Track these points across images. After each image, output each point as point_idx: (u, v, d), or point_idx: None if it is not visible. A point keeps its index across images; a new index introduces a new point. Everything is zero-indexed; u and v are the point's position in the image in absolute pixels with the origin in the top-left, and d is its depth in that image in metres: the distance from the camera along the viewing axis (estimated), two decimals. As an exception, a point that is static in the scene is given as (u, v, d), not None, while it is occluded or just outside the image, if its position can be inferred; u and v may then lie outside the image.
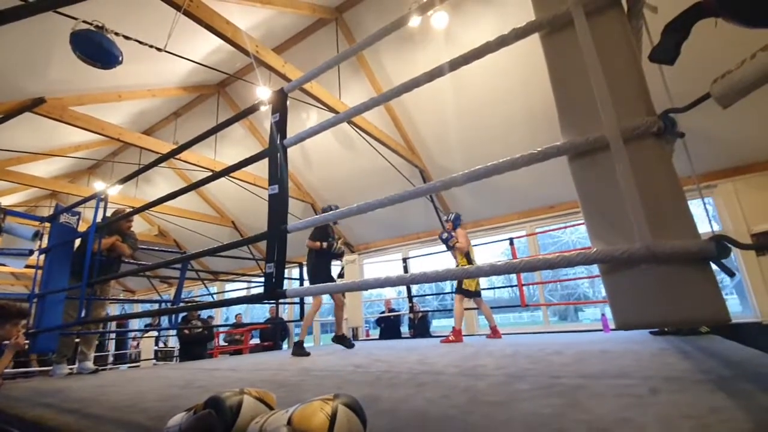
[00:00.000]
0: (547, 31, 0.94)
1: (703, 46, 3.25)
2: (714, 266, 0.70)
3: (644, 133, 0.77)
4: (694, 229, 0.72)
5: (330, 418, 0.68)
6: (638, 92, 0.82)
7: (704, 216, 3.77)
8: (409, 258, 6.99)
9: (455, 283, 4.32)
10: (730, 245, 0.67)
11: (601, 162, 0.81)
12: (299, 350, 3.54)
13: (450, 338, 3.92)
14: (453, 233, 4.35)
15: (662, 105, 0.80)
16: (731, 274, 0.69)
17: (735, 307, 4.94)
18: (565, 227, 5.79)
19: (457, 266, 4.20)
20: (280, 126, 1.53)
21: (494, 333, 4.16)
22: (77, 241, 3.31)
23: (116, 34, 3.29)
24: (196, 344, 5.69)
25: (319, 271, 3.85)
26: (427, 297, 7.75)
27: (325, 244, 3.81)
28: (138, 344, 8.16)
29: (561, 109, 0.90)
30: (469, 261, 4.29)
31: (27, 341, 2.90)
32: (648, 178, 0.75)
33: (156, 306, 8.12)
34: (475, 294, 4.30)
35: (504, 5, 4.45)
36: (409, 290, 6.42)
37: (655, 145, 0.78)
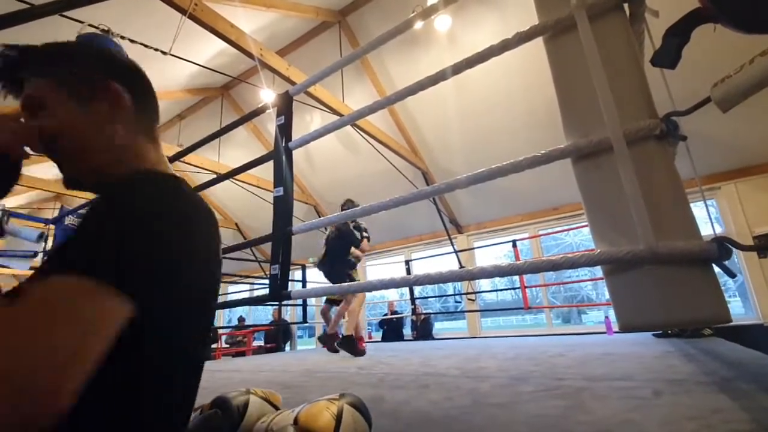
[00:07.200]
0: (551, 34, 0.94)
1: (704, 50, 3.26)
2: (716, 268, 0.71)
3: (647, 136, 0.78)
4: (696, 231, 0.73)
5: (336, 417, 0.69)
6: (641, 95, 0.82)
7: (706, 218, 3.77)
8: (411, 260, 6.99)
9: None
10: (731, 247, 0.68)
11: (604, 164, 0.82)
12: (350, 345, 3.07)
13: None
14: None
15: (664, 108, 0.81)
16: (732, 276, 0.69)
17: (738, 309, 4.92)
18: (569, 229, 5.77)
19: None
20: (285, 129, 1.54)
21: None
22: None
23: (122, 37, 3.31)
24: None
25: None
26: (429, 299, 7.73)
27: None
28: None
29: (564, 111, 0.91)
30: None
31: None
32: (651, 180, 0.76)
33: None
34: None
35: (505, 7, 4.47)
36: (411, 292, 6.41)
37: (657, 148, 0.78)
